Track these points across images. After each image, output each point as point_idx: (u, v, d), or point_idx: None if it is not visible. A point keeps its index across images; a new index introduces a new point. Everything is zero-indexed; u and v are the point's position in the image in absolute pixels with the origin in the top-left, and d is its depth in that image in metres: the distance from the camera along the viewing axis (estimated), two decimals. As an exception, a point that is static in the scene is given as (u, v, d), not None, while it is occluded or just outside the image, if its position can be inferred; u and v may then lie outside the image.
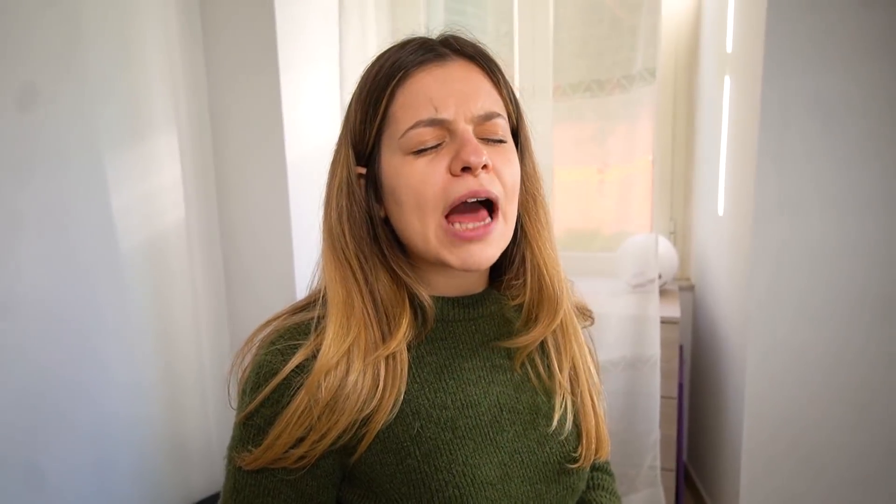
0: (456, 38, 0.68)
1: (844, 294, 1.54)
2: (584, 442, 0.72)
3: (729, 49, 1.87)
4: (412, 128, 0.64)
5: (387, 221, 0.69)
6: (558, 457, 0.71)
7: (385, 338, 0.65)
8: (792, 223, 1.54)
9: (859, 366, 1.56)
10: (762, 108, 1.51)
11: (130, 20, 1.63)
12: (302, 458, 0.62)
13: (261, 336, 0.69)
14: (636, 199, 1.97)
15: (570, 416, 0.72)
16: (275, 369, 0.63)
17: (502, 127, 0.67)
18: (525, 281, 0.72)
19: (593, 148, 2.02)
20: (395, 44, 0.69)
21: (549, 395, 0.73)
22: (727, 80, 1.89)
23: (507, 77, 0.70)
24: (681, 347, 2.10)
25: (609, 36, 1.91)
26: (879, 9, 1.42)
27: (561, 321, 0.73)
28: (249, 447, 0.63)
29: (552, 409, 0.72)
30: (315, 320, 0.66)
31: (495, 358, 0.72)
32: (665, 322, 1.92)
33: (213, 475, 1.93)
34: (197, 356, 1.88)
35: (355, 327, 0.64)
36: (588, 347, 0.79)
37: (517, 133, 0.71)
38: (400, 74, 0.65)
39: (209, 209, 1.93)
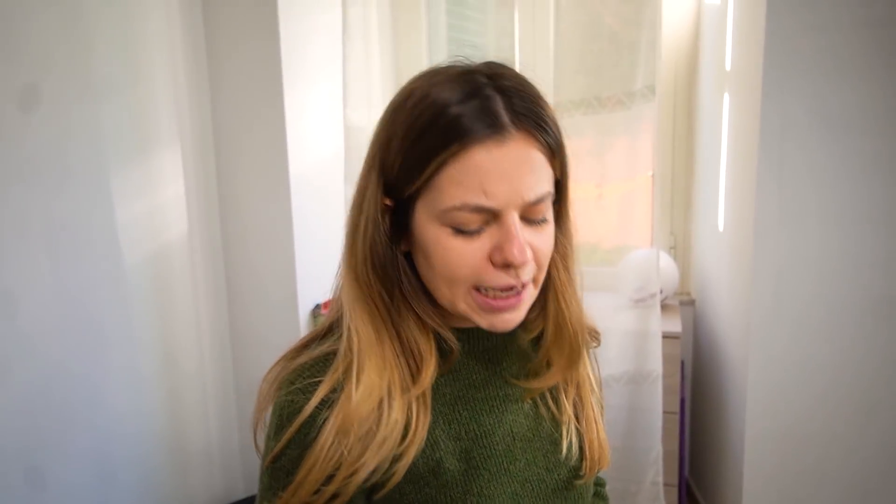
0: (512, 102, 0.60)
1: (845, 308, 1.54)
2: (587, 455, 0.73)
3: (728, 67, 1.89)
4: (457, 209, 0.59)
5: (408, 255, 0.67)
6: (565, 479, 0.72)
7: (413, 376, 0.64)
8: (792, 237, 1.55)
9: (860, 379, 1.56)
10: (761, 125, 1.52)
11: (136, 37, 1.66)
12: (335, 496, 0.61)
13: (273, 377, 0.67)
14: (637, 214, 1.98)
15: (576, 442, 0.73)
16: (298, 408, 0.62)
17: (547, 205, 0.63)
18: (545, 325, 0.71)
19: (593, 163, 2.03)
20: (445, 77, 0.62)
21: (557, 423, 0.73)
22: (726, 97, 1.91)
23: (561, 138, 0.64)
24: (682, 362, 2.09)
25: (609, 52, 1.93)
26: (877, 26, 1.44)
27: None
28: (279, 492, 0.62)
29: (560, 436, 0.72)
30: (339, 354, 0.65)
31: (507, 388, 0.72)
32: (666, 337, 1.92)
33: (213, 488, 1.93)
34: (199, 370, 1.89)
35: (388, 368, 0.63)
36: (590, 364, 0.79)
37: (560, 188, 0.67)
38: (455, 146, 0.59)
39: (212, 224, 1.94)
